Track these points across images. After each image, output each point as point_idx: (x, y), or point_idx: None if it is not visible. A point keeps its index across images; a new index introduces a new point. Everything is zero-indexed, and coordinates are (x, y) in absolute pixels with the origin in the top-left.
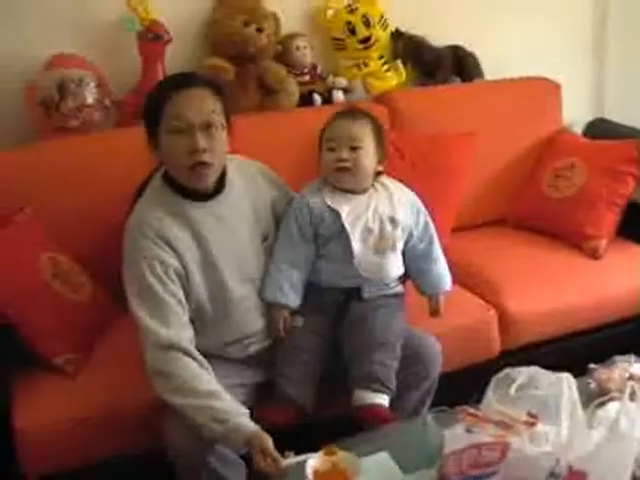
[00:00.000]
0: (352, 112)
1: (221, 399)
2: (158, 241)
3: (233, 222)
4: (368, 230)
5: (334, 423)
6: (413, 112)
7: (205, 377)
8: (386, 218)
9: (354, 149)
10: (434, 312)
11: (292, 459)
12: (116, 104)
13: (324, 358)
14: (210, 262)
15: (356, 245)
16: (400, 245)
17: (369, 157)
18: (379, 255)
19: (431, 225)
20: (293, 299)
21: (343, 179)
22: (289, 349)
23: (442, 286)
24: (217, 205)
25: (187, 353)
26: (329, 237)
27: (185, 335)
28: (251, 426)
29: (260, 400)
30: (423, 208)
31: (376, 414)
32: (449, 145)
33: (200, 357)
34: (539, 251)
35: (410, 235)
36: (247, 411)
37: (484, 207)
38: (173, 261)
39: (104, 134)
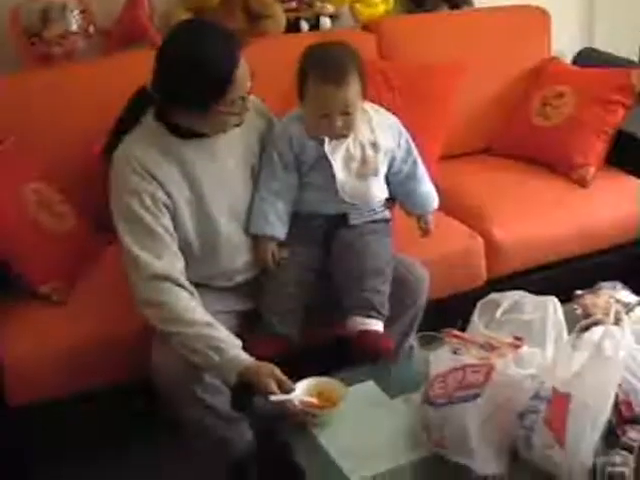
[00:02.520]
0: (337, 74)
1: (218, 329)
2: (146, 175)
3: (225, 159)
4: (350, 157)
5: (322, 352)
6: (402, 40)
7: (198, 308)
8: (367, 143)
9: (347, 113)
10: (425, 232)
11: (280, 396)
12: (101, 33)
13: (310, 289)
14: (202, 203)
15: (339, 173)
16: (383, 169)
17: (359, 108)
18: (362, 181)
19: (413, 146)
20: (280, 230)
21: (337, 138)
22: (274, 281)
23: (430, 204)
24: (211, 142)
25: (179, 284)
26: (311, 165)
27: (177, 266)
28: (246, 358)
29: (247, 327)
30: (404, 130)
31: (378, 340)
32: (437, 74)
33: (192, 288)
34: (527, 179)
35: (393, 159)
36: (240, 343)
37: (472, 136)
38: (161, 194)
39: (89, 62)
